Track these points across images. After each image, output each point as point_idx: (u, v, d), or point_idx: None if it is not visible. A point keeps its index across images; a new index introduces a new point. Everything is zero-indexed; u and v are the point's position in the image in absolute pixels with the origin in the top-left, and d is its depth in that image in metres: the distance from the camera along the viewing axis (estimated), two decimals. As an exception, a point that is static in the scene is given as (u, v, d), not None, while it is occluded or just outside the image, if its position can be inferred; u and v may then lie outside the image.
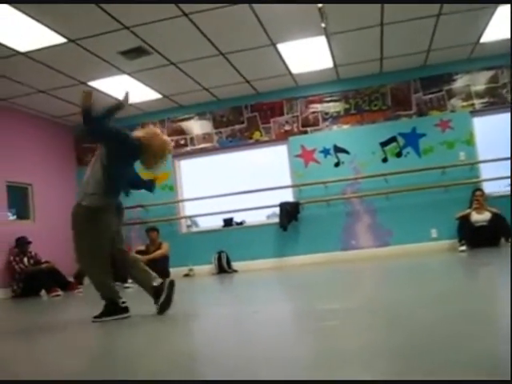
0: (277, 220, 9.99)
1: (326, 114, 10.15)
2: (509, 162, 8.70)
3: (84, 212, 4.24)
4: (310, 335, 2.97)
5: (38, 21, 6.43)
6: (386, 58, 9.14)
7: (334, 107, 10.14)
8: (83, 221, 4.24)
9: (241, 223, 10.47)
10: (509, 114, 9.07)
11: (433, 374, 1.83)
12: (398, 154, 9.79)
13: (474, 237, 8.48)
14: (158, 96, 9.95)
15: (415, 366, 1.97)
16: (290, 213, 9.84)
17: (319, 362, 2.27)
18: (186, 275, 10.02)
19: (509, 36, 8.26)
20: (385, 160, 9.83)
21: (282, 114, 10.37)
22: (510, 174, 8.82)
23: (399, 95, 9.88)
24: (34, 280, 8.54)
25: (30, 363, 2.94)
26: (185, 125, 10.85)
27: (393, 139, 9.82)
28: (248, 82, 9.72)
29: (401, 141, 9.79)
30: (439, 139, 9.61)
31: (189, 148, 10.80)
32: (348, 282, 6.38)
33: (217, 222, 10.57)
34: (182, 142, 10.81)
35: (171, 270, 9.09)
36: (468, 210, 8.78)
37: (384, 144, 9.85)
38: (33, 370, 2.68)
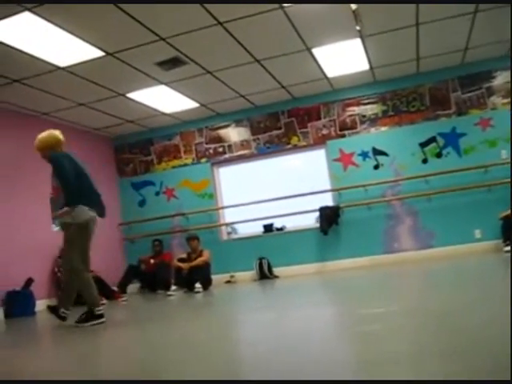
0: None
1: (364, 116, 10.09)
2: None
3: None
4: (356, 339, 2.96)
5: (76, 36, 6.56)
6: (423, 57, 9.04)
7: (371, 109, 10.06)
8: None
9: (281, 229, 10.45)
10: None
11: (479, 376, 1.81)
12: (438, 155, 9.65)
13: (519, 236, 8.30)
14: (196, 105, 10.04)
15: (464, 368, 1.94)
16: (330, 217, 9.80)
17: (367, 365, 2.26)
18: (228, 282, 10.07)
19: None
20: (425, 161, 9.70)
21: (319, 119, 10.34)
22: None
23: (437, 95, 9.75)
24: (79, 290, 8.68)
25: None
26: (222, 132, 10.91)
27: (432, 140, 9.70)
28: (284, 87, 9.73)
29: (441, 141, 9.66)
30: (480, 138, 9.45)
31: (227, 155, 10.86)
32: (392, 285, 6.32)
33: (257, 228, 10.59)
34: (220, 149, 10.88)
35: (213, 277, 9.15)
36: (512, 210, 8.62)
37: (423, 145, 9.73)
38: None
